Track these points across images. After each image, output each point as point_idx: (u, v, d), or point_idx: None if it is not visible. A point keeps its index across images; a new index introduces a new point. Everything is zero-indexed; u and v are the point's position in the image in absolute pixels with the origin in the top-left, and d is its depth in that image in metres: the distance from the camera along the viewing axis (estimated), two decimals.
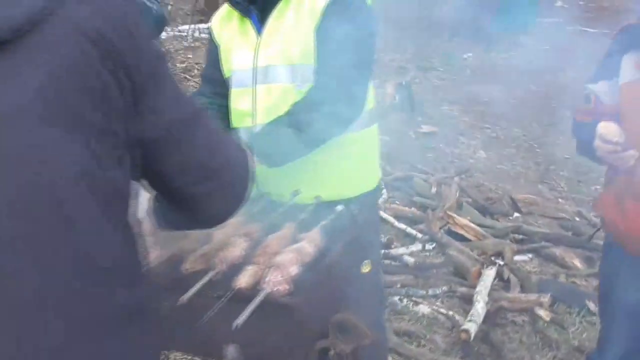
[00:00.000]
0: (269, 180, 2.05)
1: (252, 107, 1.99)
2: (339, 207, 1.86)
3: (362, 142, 2.09)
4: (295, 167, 1.95)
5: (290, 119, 1.84)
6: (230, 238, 1.61)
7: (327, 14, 1.86)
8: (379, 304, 2.33)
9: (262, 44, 1.95)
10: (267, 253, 1.54)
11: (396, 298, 3.46)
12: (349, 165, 2.05)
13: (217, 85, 2.12)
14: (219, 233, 1.66)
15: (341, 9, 1.86)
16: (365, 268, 2.15)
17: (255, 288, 1.42)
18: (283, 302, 1.37)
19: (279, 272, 1.44)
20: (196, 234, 1.67)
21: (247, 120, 2.01)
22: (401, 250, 3.91)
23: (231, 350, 1.45)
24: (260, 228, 1.71)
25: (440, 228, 4.20)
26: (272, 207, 1.94)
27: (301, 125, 1.81)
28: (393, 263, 3.85)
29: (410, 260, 3.80)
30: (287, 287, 1.41)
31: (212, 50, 2.13)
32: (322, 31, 1.87)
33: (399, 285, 3.58)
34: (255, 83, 1.96)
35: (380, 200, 4.95)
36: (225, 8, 2.09)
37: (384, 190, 5.16)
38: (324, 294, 1.53)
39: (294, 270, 1.48)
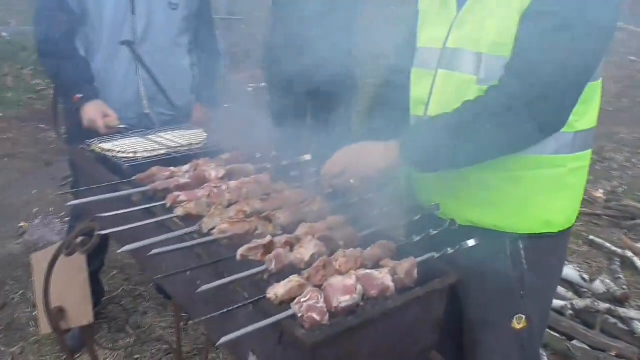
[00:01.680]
0: (421, 183, 1.78)
1: (428, 95, 1.71)
2: (471, 242, 1.47)
3: (554, 170, 1.63)
4: (452, 177, 1.65)
5: (455, 119, 1.50)
6: (307, 236, 1.39)
7: None
8: None
9: (457, 22, 1.64)
10: (329, 268, 1.28)
11: None
12: (525, 193, 1.64)
13: (409, 57, 1.87)
14: (305, 226, 1.46)
15: None
16: (518, 324, 1.76)
17: (287, 304, 1.19)
18: (297, 334, 1.11)
19: (320, 297, 1.19)
20: (284, 219, 1.50)
21: (421, 108, 1.74)
22: (635, 313, 3.12)
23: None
24: (349, 234, 1.44)
25: None
26: (406, 214, 1.67)
27: (467, 130, 1.48)
28: (618, 324, 3.11)
29: None
30: (318, 318, 1.15)
31: (413, 17, 1.89)
32: (529, 17, 1.47)
33: (613, 354, 2.89)
34: (439, 67, 1.67)
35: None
36: None
37: None
38: (371, 342, 1.22)
39: (343, 300, 1.20)
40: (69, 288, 2.06)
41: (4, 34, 6.42)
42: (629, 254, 3.91)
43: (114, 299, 3.16)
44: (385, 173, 1.61)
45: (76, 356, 2.64)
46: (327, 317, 1.17)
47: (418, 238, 1.50)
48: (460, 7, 1.64)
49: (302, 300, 1.18)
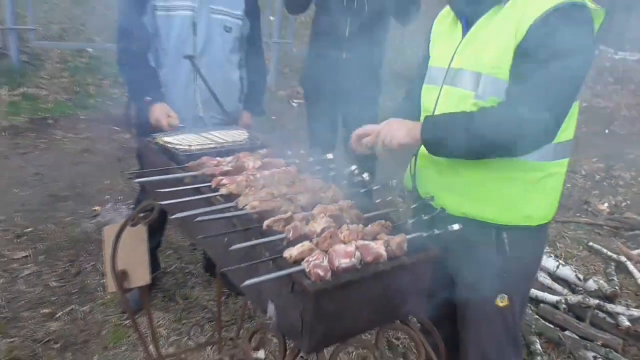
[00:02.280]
0: (422, 175, 1.93)
1: (434, 106, 1.86)
2: (455, 226, 1.62)
3: (536, 173, 1.77)
4: (450, 174, 1.81)
5: (472, 119, 1.63)
6: (320, 214, 1.57)
7: (532, 33, 1.59)
8: (510, 345, 1.98)
9: (461, 47, 1.80)
10: (334, 238, 1.46)
11: (590, 354, 2.87)
12: (510, 191, 1.78)
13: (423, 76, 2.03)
14: (319, 207, 1.63)
15: (550, 31, 1.57)
16: (501, 302, 1.90)
17: (299, 263, 1.37)
18: (304, 284, 1.29)
19: (324, 258, 1.36)
20: (304, 201, 1.68)
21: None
22: (621, 309, 3.17)
23: (270, 308, 1.44)
24: (356, 215, 1.61)
25: None
26: (403, 201, 1.82)
27: (478, 130, 1.61)
28: (606, 318, 3.16)
29: (626, 323, 3.06)
30: (322, 274, 1.32)
31: (427, 45, 2.04)
32: (522, 50, 1.61)
33: (600, 343, 2.95)
34: (444, 83, 1.82)
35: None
36: (446, 8, 1.97)
37: None
38: (364, 297, 1.38)
39: (343, 262, 1.37)
40: (132, 255, 2.27)
41: (89, 50, 6.78)
42: (623, 259, 3.94)
43: (167, 274, 3.38)
44: (405, 147, 1.75)
45: (135, 316, 2.86)
46: (329, 274, 1.32)
47: (411, 221, 1.65)
48: (464, 34, 1.79)
49: (310, 259, 1.35)
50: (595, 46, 1.69)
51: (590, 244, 4.19)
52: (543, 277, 3.58)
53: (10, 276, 3.20)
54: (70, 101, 5.89)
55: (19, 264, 3.32)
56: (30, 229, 3.66)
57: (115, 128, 5.51)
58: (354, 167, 1.87)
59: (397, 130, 1.73)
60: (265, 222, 1.52)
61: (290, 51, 7.68)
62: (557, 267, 3.63)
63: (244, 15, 2.74)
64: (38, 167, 4.56)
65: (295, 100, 6.93)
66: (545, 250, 3.77)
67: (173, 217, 1.54)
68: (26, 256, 3.39)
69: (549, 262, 3.67)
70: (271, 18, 7.40)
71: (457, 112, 1.69)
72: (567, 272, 3.61)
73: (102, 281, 3.18)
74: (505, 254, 1.82)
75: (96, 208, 4.01)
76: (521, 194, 1.77)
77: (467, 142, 1.61)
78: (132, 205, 3.67)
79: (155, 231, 2.96)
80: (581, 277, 3.53)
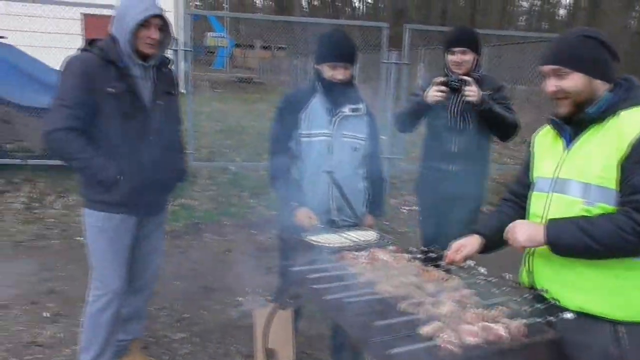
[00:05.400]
0: (538, 271, 1.98)
1: (544, 212, 1.96)
2: (568, 315, 1.68)
3: None
4: (566, 271, 1.86)
5: (592, 226, 1.74)
6: (444, 298, 1.72)
7: (634, 149, 1.71)
8: None
9: (566, 160, 1.92)
10: (460, 320, 1.59)
11: None
12: (624, 288, 1.79)
13: (522, 186, 2.18)
14: (444, 294, 1.78)
15: None
16: None
17: (432, 337, 1.51)
18: (438, 354, 1.42)
19: (454, 336, 1.49)
20: (431, 289, 1.83)
21: (537, 220, 1.98)
22: None
23: None
24: (476, 301, 1.73)
25: None
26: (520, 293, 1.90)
27: (598, 235, 1.72)
28: None
29: None
30: (452, 348, 1.46)
31: (527, 157, 2.20)
32: (629, 164, 1.72)
33: None
34: (552, 191, 1.94)
35: None
36: (546, 127, 2.12)
37: None
38: None
39: (469, 340, 1.49)
40: (279, 335, 2.50)
41: (231, 167, 7.59)
42: None
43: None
44: (526, 246, 1.89)
45: None
46: (457, 349, 1.46)
47: (528, 309, 1.73)
48: (567, 150, 1.92)
49: (443, 336, 1.49)
50: None
51: None
52: None
53: (171, 354, 3.53)
54: (216, 209, 6.53)
55: (178, 343, 3.65)
56: (187, 315, 4.04)
57: (252, 232, 6.00)
58: (472, 262, 2.01)
59: (520, 236, 1.87)
60: (402, 305, 1.69)
61: (399, 165, 8.03)
62: None
63: (367, 137, 3.07)
64: (193, 263, 5.05)
65: (405, 208, 7.13)
66: None
67: (327, 297, 1.76)
68: (184, 337, 3.72)
69: None
70: (383, 137, 7.89)
71: (578, 217, 1.78)
72: None
73: None
74: (624, 346, 1.79)
75: (239, 298, 4.32)
76: (635, 290, 1.78)
77: (584, 245, 1.71)
78: (270, 297, 3.94)
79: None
80: None
